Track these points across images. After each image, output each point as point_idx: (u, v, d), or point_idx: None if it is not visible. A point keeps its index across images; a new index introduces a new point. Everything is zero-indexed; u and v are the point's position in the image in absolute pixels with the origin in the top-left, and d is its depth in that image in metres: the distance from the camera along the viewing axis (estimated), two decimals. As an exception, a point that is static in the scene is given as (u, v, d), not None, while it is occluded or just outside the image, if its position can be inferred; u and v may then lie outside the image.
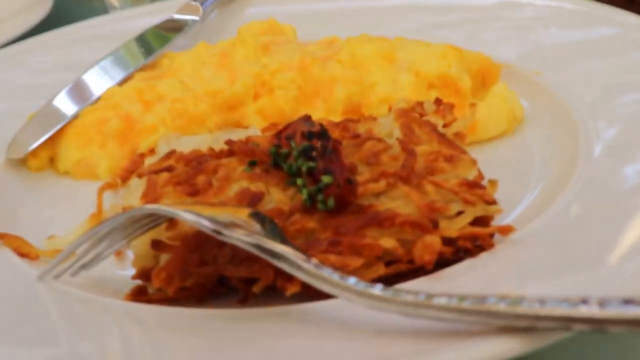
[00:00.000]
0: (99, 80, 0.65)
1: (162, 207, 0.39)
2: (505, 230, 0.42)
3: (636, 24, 0.63)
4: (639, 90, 0.55)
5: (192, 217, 0.37)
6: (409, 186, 0.43)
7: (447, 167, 0.46)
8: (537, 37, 0.67)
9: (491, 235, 0.42)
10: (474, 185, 0.43)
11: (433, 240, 0.40)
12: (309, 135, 0.44)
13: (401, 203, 0.42)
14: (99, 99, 0.62)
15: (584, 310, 0.29)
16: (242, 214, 0.38)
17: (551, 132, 0.56)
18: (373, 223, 0.40)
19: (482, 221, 0.43)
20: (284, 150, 0.44)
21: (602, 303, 0.29)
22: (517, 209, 0.46)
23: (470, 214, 0.42)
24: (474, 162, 0.46)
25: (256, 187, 0.44)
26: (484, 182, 0.46)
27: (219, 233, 0.37)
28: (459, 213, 0.42)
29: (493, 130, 0.56)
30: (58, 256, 0.43)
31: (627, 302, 0.29)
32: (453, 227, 0.41)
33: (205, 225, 0.37)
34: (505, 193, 0.45)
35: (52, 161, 0.59)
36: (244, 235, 0.36)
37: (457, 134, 0.50)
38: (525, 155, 0.55)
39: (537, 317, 0.30)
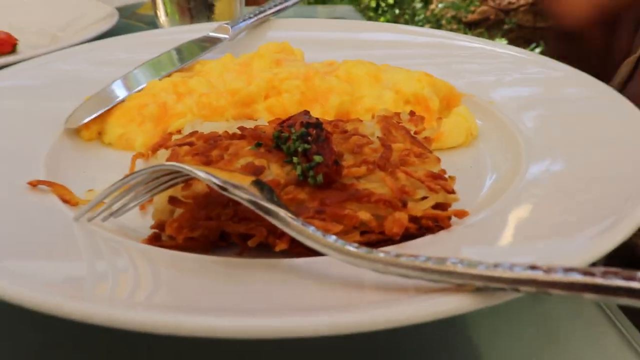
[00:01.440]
0: (145, 75, 0.60)
1: (181, 165, 0.35)
2: (461, 214, 0.38)
3: (563, 70, 0.60)
4: (565, 116, 0.52)
5: (205, 175, 0.33)
6: (384, 172, 0.39)
7: (416, 161, 0.42)
8: (495, 76, 0.63)
9: (449, 218, 0.38)
10: (438, 177, 0.39)
11: (401, 217, 0.36)
12: (306, 125, 0.40)
13: (377, 185, 0.38)
14: (142, 88, 0.58)
15: (531, 274, 0.25)
16: (246, 180, 0.34)
17: (499, 146, 0.52)
18: (353, 198, 0.36)
19: (442, 206, 0.39)
20: (285, 134, 0.40)
21: (548, 270, 0.25)
22: (471, 202, 0.42)
23: (433, 199, 0.38)
24: (438, 159, 0.42)
25: (259, 162, 0.40)
26: (446, 176, 0.42)
27: (225, 190, 0.33)
28: (424, 198, 0.38)
29: (453, 141, 0.52)
30: (91, 201, 0.39)
31: (568, 270, 0.25)
32: (418, 208, 0.37)
33: (215, 182, 0.33)
34: (461, 189, 0.41)
35: (100, 134, 0.55)
36: (245, 193, 0.32)
37: (426, 139, 0.46)
38: (478, 162, 0.51)
39: (491, 278, 0.26)
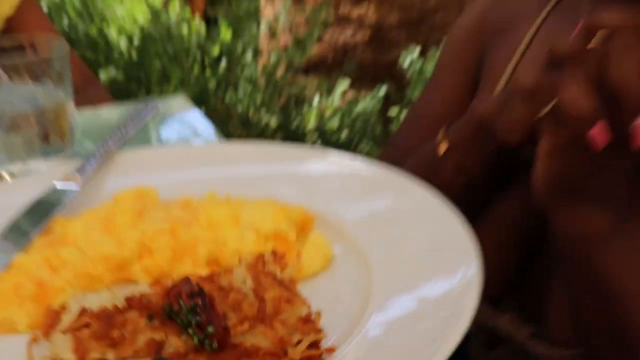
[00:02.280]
0: (7, 247, 0.76)
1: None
2: (330, 350, 0.59)
3: (422, 195, 0.79)
4: (414, 240, 0.74)
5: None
6: (264, 325, 0.59)
7: (287, 307, 0.62)
8: (345, 195, 0.86)
9: (321, 355, 0.58)
10: (307, 320, 0.60)
11: (285, 364, 0.56)
12: (192, 295, 0.59)
13: (261, 338, 0.57)
14: (10, 264, 0.73)
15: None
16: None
17: (353, 266, 0.74)
18: (244, 356, 0.56)
19: (314, 344, 0.59)
20: (176, 307, 0.59)
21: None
22: (337, 329, 0.63)
23: (306, 342, 0.58)
24: (304, 301, 0.63)
25: (159, 336, 0.58)
26: (313, 314, 0.63)
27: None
28: (299, 341, 0.59)
29: (312, 270, 0.72)
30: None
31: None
32: (296, 352, 0.57)
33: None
34: (325, 320, 0.62)
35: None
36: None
37: (291, 280, 0.67)
38: (336, 287, 0.72)
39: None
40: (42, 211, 0.83)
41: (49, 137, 1.06)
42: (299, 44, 3.29)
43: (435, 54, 3.13)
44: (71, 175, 0.88)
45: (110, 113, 1.44)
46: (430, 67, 3.04)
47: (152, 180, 0.88)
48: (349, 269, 0.74)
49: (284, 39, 3.48)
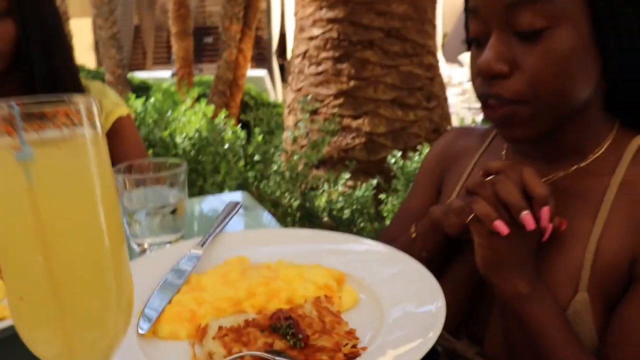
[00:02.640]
0: (166, 292, 1.02)
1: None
2: (363, 349, 0.84)
3: (409, 262, 0.95)
4: (406, 288, 1.00)
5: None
6: (326, 335, 0.84)
7: (337, 326, 0.86)
8: (364, 263, 1.12)
9: (358, 352, 0.84)
10: (349, 332, 0.83)
11: (340, 356, 0.81)
12: (287, 318, 0.86)
13: (325, 342, 0.79)
14: (172, 301, 0.99)
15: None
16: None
17: (372, 305, 1.00)
18: (318, 351, 0.81)
19: (354, 346, 0.84)
20: (278, 325, 0.85)
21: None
22: (364, 339, 0.88)
23: (350, 344, 0.79)
24: (346, 323, 0.89)
25: (270, 339, 0.83)
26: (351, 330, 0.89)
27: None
28: (346, 344, 0.83)
29: (346, 307, 0.95)
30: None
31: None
32: (346, 349, 0.81)
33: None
34: (358, 331, 0.88)
35: (153, 332, 0.95)
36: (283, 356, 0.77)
37: (337, 311, 0.94)
38: (360, 316, 0.98)
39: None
40: (182, 270, 1.09)
41: (174, 221, 1.34)
42: (314, 146, 3.56)
43: (413, 156, 3.38)
44: (198, 246, 1.15)
45: (206, 204, 1.72)
46: (409, 165, 3.27)
47: (244, 252, 1.15)
48: (368, 305, 0.97)
49: (303, 142, 3.77)
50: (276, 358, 0.76)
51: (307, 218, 3.04)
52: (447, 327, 0.82)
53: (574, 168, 0.91)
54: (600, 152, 0.90)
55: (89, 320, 0.50)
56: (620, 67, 0.83)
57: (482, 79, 0.85)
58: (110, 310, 0.51)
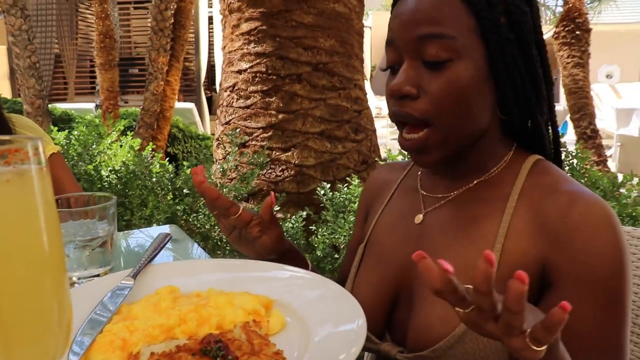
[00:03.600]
0: (97, 322, 1.06)
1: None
2: (289, 368, 0.92)
3: (333, 286, 1.05)
4: (331, 308, 1.09)
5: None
6: (255, 356, 0.92)
7: (265, 348, 0.94)
8: (290, 290, 1.20)
9: (285, 370, 0.91)
10: (277, 353, 0.92)
11: (267, 374, 0.89)
12: (216, 342, 0.92)
13: None
14: (103, 330, 1.03)
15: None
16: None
17: (299, 327, 1.07)
18: (246, 371, 0.88)
19: (281, 366, 0.92)
20: (208, 348, 0.91)
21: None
22: (291, 357, 0.96)
23: None
24: (274, 345, 0.96)
25: (200, 363, 0.90)
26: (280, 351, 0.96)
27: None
28: None
29: (275, 330, 1.04)
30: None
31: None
32: None
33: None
34: (286, 352, 0.95)
35: (84, 362, 0.98)
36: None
37: (265, 335, 1.00)
38: (288, 339, 1.06)
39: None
40: (113, 301, 1.13)
41: (103, 254, 1.37)
42: (243, 179, 3.63)
43: (342, 187, 3.50)
44: (129, 277, 1.20)
45: (134, 238, 1.75)
46: (338, 196, 3.37)
47: (175, 282, 1.20)
48: (295, 327, 1.06)
49: (232, 175, 3.82)
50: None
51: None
52: (372, 330, 0.94)
53: (475, 182, 1.06)
54: (500, 168, 1.05)
55: (30, 339, 0.55)
56: (514, 99, 0.98)
57: (394, 99, 0.99)
58: (51, 331, 0.57)
